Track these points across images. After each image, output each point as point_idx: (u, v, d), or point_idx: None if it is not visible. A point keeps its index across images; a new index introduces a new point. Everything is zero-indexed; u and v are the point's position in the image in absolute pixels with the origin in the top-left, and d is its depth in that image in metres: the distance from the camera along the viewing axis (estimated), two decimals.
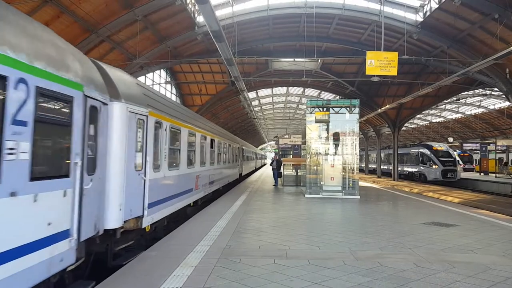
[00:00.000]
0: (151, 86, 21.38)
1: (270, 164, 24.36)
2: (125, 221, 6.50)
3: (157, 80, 28.04)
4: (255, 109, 45.47)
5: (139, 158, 7.06)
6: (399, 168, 39.72)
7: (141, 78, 22.72)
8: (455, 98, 38.06)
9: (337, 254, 6.56)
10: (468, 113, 51.49)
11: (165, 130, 8.53)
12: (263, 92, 41.68)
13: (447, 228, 9.13)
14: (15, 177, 3.75)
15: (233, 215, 10.53)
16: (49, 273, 4.39)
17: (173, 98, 31.46)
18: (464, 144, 50.32)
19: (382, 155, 46.00)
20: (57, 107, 4.75)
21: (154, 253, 6.45)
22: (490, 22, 17.71)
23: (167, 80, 30.40)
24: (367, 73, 16.70)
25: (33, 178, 4.02)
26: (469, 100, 44.31)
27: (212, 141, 14.47)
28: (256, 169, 50.76)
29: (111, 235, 6.34)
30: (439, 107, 47.07)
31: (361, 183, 21.67)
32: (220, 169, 16.76)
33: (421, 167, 38.31)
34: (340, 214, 11.88)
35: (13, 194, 3.68)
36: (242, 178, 28.79)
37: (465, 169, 47.14)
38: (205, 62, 28.25)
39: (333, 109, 17.01)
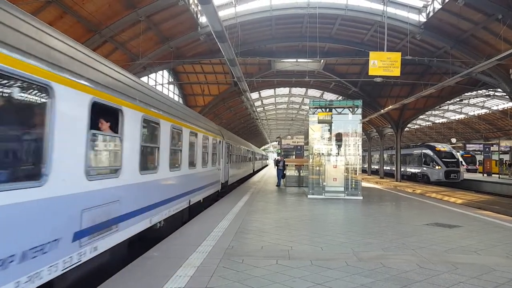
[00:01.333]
0: (154, 87, 20.88)
1: (276, 164, 24.33)
2: None
3: (160, 81, 28.08)
4: (258, 109, 45.48)
5: None
6: (402, 169, 39.63)
7: (144, 79, 22.75)
8: (458, 99, 37.96)
9: (340, 254, 6.55)
10: (471, 113, 51.34)
11: None
12: (265, 92, 41.69)
13: (450, 229, 9.10)
14: None
15: (235, 216, 10.52)
16: None
17: (176, 98, 31.51)
18: (467, 145, 50.17)
19: (385, 155, 45.90)
20: None
21: (156, 253, 6.45)
22: (494, 23, 17.67)
23: (170, 80, 30.44)
24: (370, 73, 16.67)
25: None
26: (472, 101, 44.20)
27: (142, 121, 6.96)
28: (254, 172, 41.07)
29: None
30: (442, 107, 46.98)
31: (364, 184, 21.64)
32: (163, 181, 8.33)
33: (424, 168, 38.21)
34: (343, 214, 11.85)
35: None
36: (227, 188, 18.67)
37: (468, 170, 46.99)
38: (207, 63, 28.27)
39: (336, 110, 16.98)
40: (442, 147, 38.59)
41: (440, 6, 18.57)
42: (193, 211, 11.54)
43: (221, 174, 16.85)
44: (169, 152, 8.58)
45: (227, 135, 20.02)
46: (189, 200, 10.77)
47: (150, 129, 7.77)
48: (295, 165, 24.23)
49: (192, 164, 10.98)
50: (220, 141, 16.52)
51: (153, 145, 7.90)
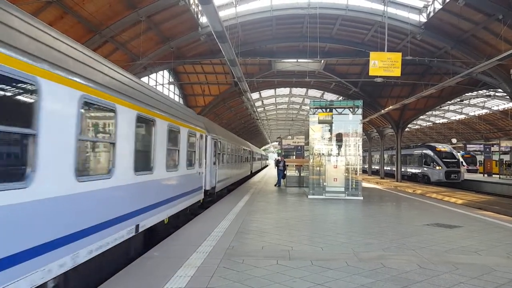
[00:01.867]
0: (155, 87, 20.69)
1: (277, 165, 24.33)
2: None
3: (160, 81, 28.09)
4: (258, 110, 45.47)
5: None
6: (403, 169, 39.59)
7: (145, 79, 22.77)
8: (458, 99, 37.90)
9: (340, 255, 6.55)
10: (472, 114, 51.32)
11: None
12: (266, 93, 41.66)
13: (450, 230, 9.10)
14: None
15: (236, 216, 10.53)
16: None
17: (176, 98, 31.54)
18: (468, 145, 50.15)
19: (385, 156, 45.86)
20: None
21: (156, 253, 6.45)
22: (494, 23, 17.65)
23: (170, 80, 30.45)
24: (370, 74, 16.65)
25: None
26: (472, 101, 44.17)
27: None
28: (252, 174, 37.95)
29: None
30: (443, 108, 46.95)
31: (364, 184, 21.63)
32: (53, 203, 4.32)
33: (425, 168, 38.19)
34: (343, 215, 11.85)
35: None
36: (215, 196, 15.63)
37: (468, 170, 46.97)
38: (208, 63, 28.26)
39: (336, 110, 17.00)
40: (442, 147, 38.56)
41: (440, 6, 18.55)
42: (156, 233, 8.22)
43: (205, 179, 13.58)
44: (74, 146, 4.72)
45: (214, 129, 16.26)
46: (137, 225, 6.79)
47: (12, 97, 3.97)
48: (295, 165, 24.23)
49: (145, 167, 7.28)
50: (202, 136, 13.00)
51: (19, 130, 3.87)
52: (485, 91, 32.00)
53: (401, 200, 16.46)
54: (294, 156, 26.08)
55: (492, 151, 45.10)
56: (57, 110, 4.41)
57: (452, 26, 19.58)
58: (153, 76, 26.08)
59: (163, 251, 6.59)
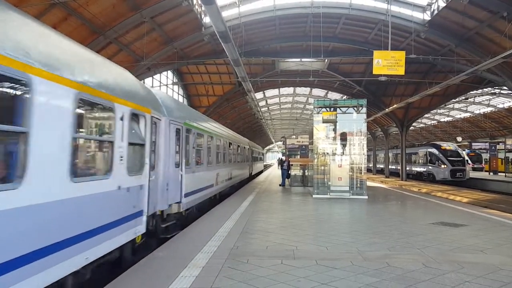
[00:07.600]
0: (158, 88, 21.36)
1: (281, 165, 24.36)
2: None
3: (164, 81, 28.16)
4: (262, 109, 45.45)
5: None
6: (407, 168, 39.44)
7: (148, 80, 22.83)
8: (463, 97, 37.70)
9: (345, 254, 6.54)
10: (477, 112, 51.02)
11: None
12: (270, 92, 41.65)
13: (456, 228, 9.06)
14: None
15: (240, 216, 10.54)
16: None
17: (180, 99, 31.61)
18: (473, 144, 49.86)
19: (390, 155, 45.67)
20: None
21: (161, 253, 6.47)
22: (499, 20, 17.55)
23: (174, 81, 30.52)
24: (374, 72, 16.60)
25: None
26: (477, 99, 43.88)
27: None
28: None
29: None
30: (447, 106, 46.69)
31: (369, 183, 21.58)
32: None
33: (430, 167, 38.01)
34: (348, 214, 11.84)
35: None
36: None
37: (474, 169, 46.70)
38: (212, 63, 28.29)
39: (340, 109, 16.96)
40: (447, 145, 38.36)
41: (444, 4, 18.46)
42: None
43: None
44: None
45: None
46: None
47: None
48: (300, 165, 24.22)
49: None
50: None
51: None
52: (490, 89, 31.83)
53: (406, 199, 16.41)
54: (299, 156, 26.02)
55: (498, 149, 44.82)
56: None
57: (456, 24, 19.49)
58: (157, 76, 26.15)
59: (168, 252, 6.61)
